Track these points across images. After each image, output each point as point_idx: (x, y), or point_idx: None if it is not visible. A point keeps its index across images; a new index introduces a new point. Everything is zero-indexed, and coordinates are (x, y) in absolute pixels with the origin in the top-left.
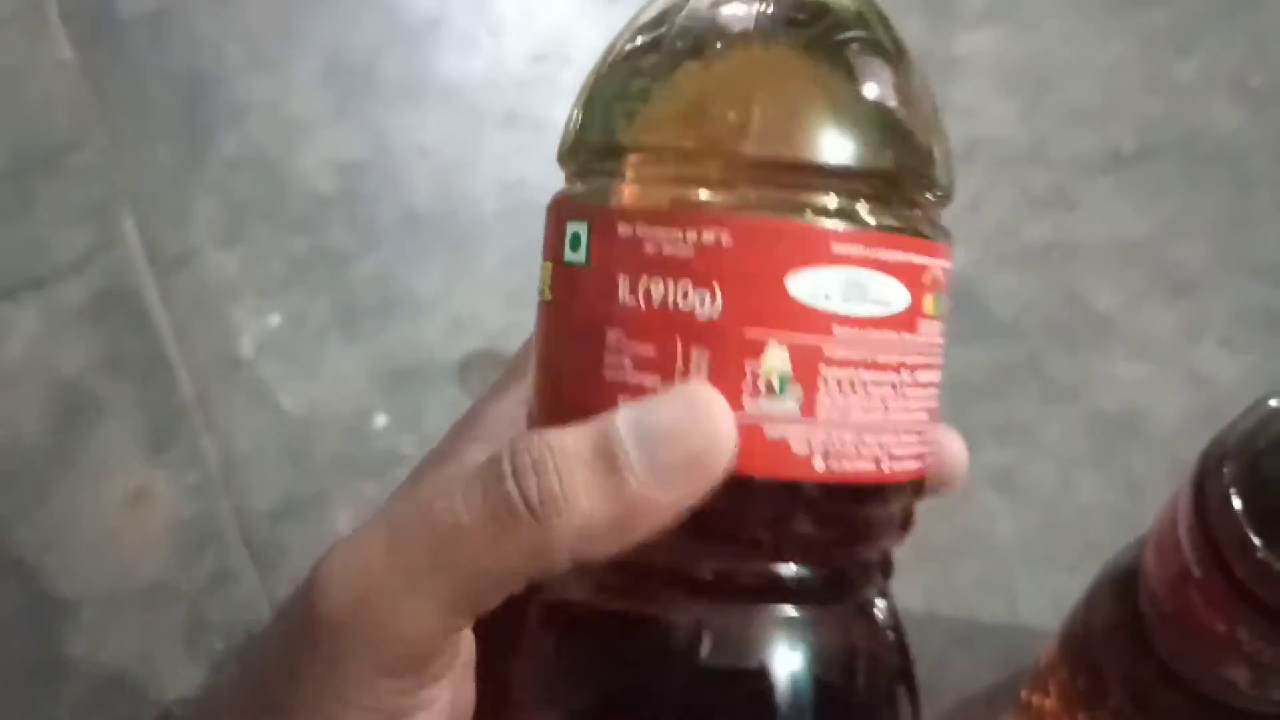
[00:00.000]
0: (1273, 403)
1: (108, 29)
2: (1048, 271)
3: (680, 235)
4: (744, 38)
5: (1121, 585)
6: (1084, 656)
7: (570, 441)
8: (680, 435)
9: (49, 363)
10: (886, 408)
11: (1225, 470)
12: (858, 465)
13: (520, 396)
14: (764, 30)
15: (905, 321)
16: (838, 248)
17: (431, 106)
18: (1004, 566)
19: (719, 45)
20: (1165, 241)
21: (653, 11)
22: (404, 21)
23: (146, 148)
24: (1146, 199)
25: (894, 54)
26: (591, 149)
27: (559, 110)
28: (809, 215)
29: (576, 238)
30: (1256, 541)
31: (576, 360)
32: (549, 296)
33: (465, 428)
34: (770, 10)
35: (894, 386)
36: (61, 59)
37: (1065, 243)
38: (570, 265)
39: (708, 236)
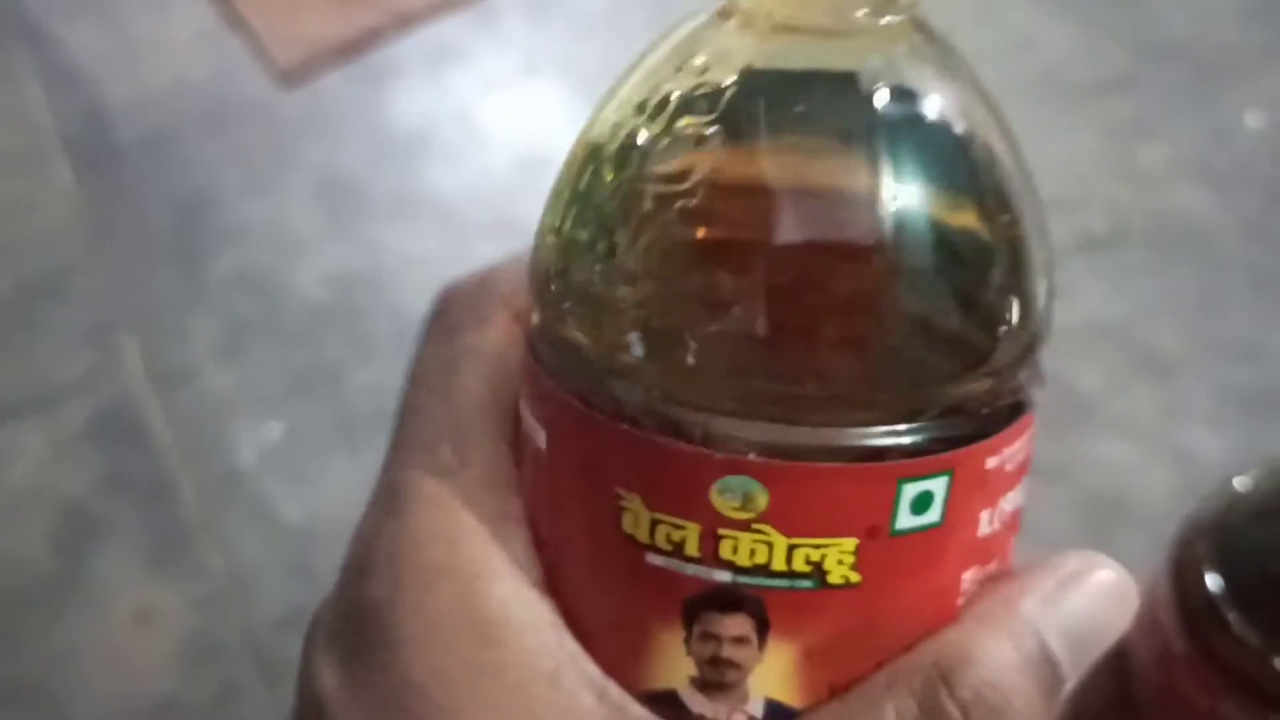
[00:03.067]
0: (1237, 483)
1: (107, 156)
2: None
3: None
4: None
5: (1113, 663)
6: None
7: (1011, 679)
8: (1110, 627)
9: (54, 484)
10: None
11: (1198, 549)
12: None
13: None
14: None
15: None
16: None
17: (421, 218)
18: None
19: None
20: (1140, 323)
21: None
22: (392, 138)
23: (145, 269)
24: (1120, 282)
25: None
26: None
27: None
28: None
29: (925, 498)
30: (1232, 617)
31: (917, 623)
32: (854, 580)
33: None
34: None
35: None
36: (63, 187)
37: None
38: (905, 533)
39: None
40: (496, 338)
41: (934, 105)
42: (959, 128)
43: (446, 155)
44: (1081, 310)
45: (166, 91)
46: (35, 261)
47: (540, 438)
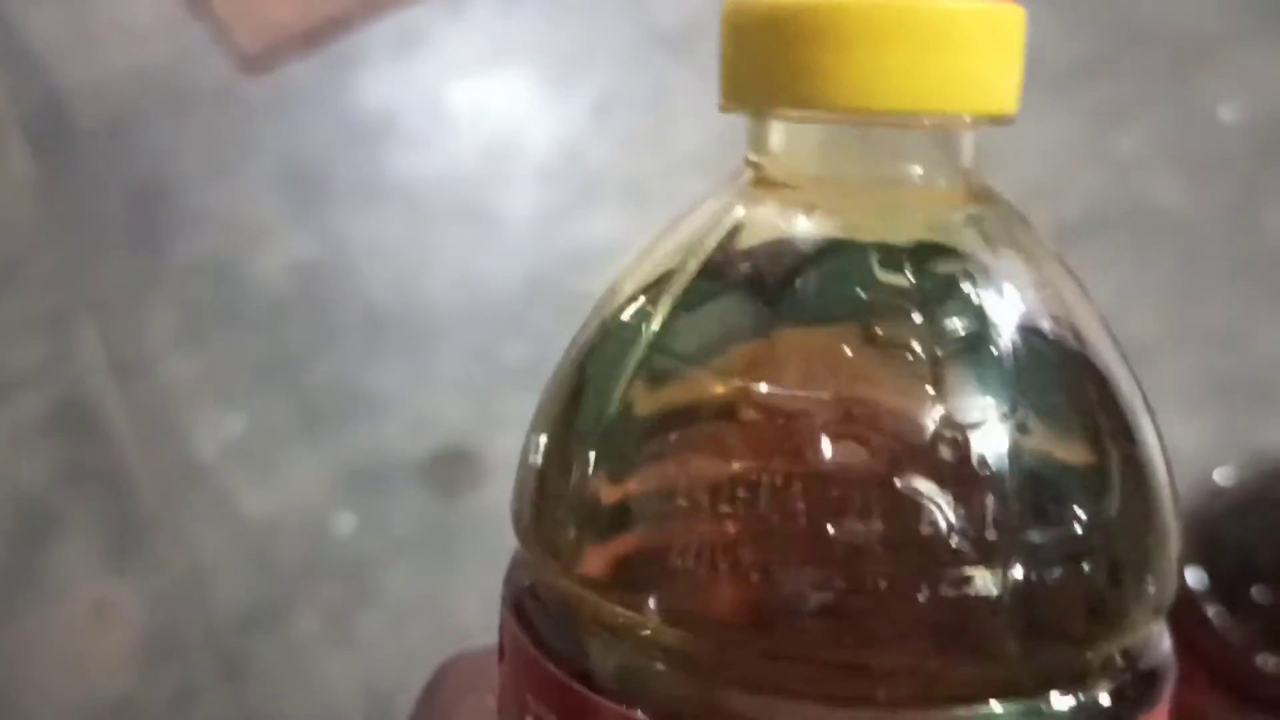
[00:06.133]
0: (1217, 477)
1: (65, 141)
2: None
3: None
4: None
5: None
6: None
7: None
8: None
9: (8, 477)
10: None
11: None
12: None
13: None
14: None
15: None
16: None
17: (386, 206)
18: None
19: None
20: (1117, 311)
21: None
22: (357, 123)
23: (103, 256)
24: (1096, 270)
25: None
26: None
27: (513, 204)
28: None
29: None
30: (1213, 613)
31: None
32: None
33: None
34: None
35: None
36: (19, 172)
37: None
38: None
39: None
40: None
41: (1026, 299)
42: (1059, 332)
43: (412, 142)
44: None
45: (126, 76)
46: None
47: None
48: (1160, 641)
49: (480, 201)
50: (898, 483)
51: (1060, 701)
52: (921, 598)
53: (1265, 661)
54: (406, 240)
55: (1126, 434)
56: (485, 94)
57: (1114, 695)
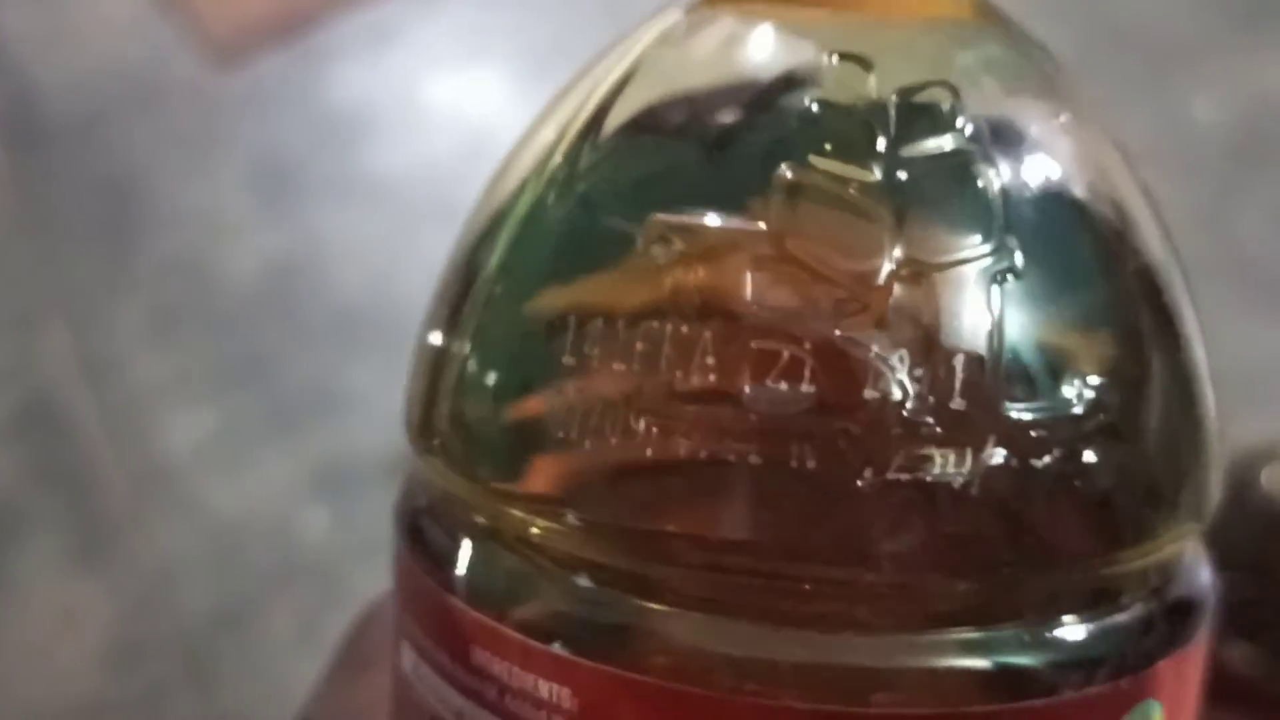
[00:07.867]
0: None
1: (36, 138)
2: None
3: None
4: None
5: None
6: None
7: None
8: None
9: None
10: None
11: None
12: None
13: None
14: None
15: None
16: None
17: (362, 204)
18: None
19: None
20: None
21: None
22: (332, 120)
23: (74, 254)
24: None
25: None
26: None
27: None
28: None
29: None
30: None
31: None
32: None
33: None
34: None
35: None
36: None
37: None
38: None
39: None
40: None
41: (1049, 147)
42: (1089, 187)
43: (388, 138)
44: None
45: (99, 72)
46: None
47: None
48: (1195, 568)
49: (455, 199)
50: (837, 333)
51: (1057, 630)
52: (863, 483)
53: (1236, 648)
54: (380, 238)
55: (1154, 299)
56: (460, 90)
57: (1135, 627)
